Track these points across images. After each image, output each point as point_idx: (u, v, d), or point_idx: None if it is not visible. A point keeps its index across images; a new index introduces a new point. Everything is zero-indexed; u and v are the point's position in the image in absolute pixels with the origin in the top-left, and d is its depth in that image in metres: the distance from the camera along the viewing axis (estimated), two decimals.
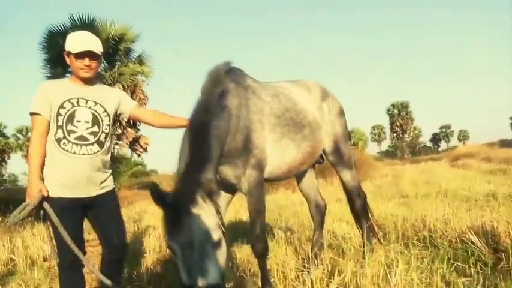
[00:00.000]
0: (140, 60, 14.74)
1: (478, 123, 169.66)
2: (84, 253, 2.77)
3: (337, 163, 4.02)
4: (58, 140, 2.69)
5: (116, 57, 14.48)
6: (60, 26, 13.69)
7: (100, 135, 2.80)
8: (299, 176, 4.18)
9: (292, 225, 6.06)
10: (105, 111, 2.87)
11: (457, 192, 8.42)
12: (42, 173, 2.69)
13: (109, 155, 2.93)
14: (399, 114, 66.43)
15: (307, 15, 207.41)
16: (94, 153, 2.76)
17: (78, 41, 2.76)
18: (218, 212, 2.26)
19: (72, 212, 2.71)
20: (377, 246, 3.52)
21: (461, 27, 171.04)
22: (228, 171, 3.03)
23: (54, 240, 2.69)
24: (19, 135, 53.40)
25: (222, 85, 2.96)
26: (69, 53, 2.77)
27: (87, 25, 13.90)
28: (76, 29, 14.67)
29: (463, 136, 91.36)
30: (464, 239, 3.74)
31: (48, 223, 2.67)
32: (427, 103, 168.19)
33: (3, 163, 46.95)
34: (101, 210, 2.85)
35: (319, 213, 4.20)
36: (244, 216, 7.47)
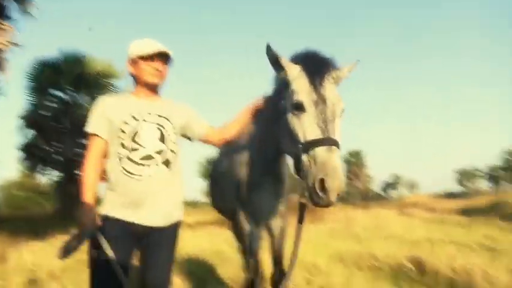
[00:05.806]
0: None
1: (426, 173, 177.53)
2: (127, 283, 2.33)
3: None
4: (120, 159, 2.36)
5: (100, 92, 15.39)
6: (49, 59, 14.65)
7: (167, 154, 2.44)
8: None
9: None
10: (172, 126, 2.52)
11: (401, 235, 9.93)
12: (96, 193, 2.36)
13: (178, 179, 2.54)
14: (354, 163, 69.64)
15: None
16: (159, 174, 2.39)
17: (148, 44, 2.46)
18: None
19: (126, 238, 2.34)
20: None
21: (410, 78, 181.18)
22: None
23: (92, 268, 2.29)
24: None
25: None
26: (133, 61, 2.47)
27: (77, 59, 14.96)
28: (66, 63, 15.59)
29: (411, 186, 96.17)
30: (401, 265, 5.11)
31: (92, 249, 2.28)
32: (379, 151, 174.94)
33: None
34: (154, 240, 2.44)
35: None
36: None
